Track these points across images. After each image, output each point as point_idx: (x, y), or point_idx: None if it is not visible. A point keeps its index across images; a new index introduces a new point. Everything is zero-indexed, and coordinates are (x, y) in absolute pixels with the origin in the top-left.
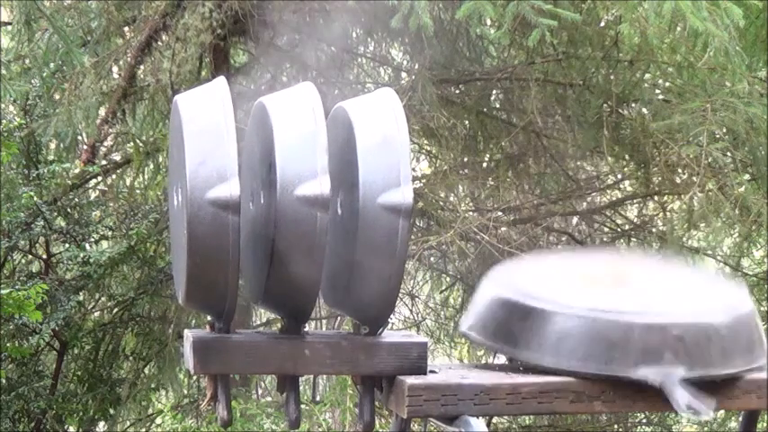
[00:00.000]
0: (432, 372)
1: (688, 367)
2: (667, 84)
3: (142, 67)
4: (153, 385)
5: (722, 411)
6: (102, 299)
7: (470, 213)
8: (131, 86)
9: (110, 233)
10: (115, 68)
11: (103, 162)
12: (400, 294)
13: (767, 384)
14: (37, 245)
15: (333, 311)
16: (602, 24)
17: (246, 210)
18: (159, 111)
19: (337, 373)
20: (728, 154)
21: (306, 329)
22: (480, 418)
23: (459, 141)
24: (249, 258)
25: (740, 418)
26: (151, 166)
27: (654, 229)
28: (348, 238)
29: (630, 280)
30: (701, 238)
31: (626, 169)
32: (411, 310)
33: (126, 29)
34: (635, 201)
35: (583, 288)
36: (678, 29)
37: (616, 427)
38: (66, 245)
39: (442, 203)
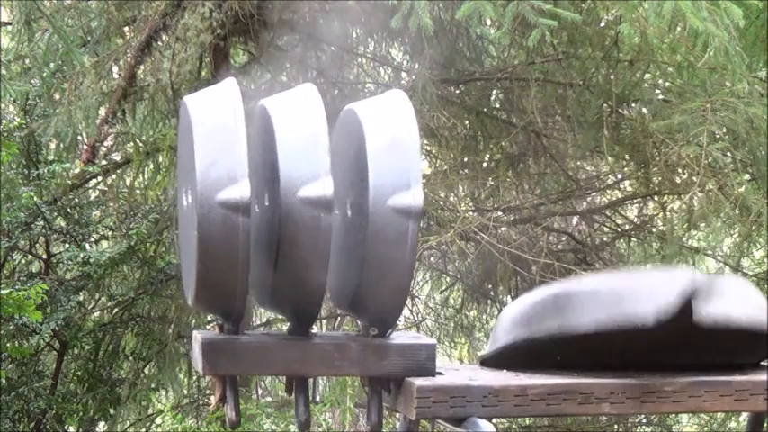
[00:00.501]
0: (438, 373)
1: None
2: (667, 84)
3: (142, 67)
4: (153, 385)
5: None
6: (102, 299)
7: (470, 213)
8: (131, 86)
9: (110, 233)
10: (115, 68)
11: (103, 162)
12: None
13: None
14: (37, 245)
15: (333, 312)
16: (602, 24)
17: (251, 211)
18: (159, 111)
19: (345, 374)
20: (728, 154)
21: (314, 331)
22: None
23: (459, 141)
24: (255, 260)
25: (747, 420)
26: (151, 166)
27: (654, 229)
28: (358, 239)
29: None
30: (701, 238)
31: (626, 169)
32: (411, 310)
33: (126, 29)
34: (635, 201)
35: None
36: (678, 29)
37: (616, 426)
38: (66, 245)
39: (442, 203)
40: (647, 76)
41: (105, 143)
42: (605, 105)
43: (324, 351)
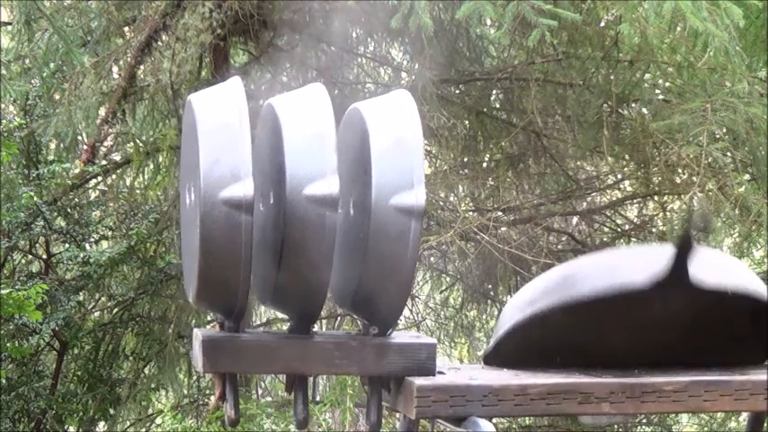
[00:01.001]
0: (439, 373)
1: None
2: (667, 84)
3: (142, 67)
4: (153, 385)
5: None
6: (102, 299)
7: (470, 213)
8: (131, 86)
9: (110, 233)
10: (115, 68)
11: (103, 162)
12: None
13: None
14: (37, 245)
15: (333, 311)
16: (602, 24)
17: (256, 210)
18: (159, 111)
19: (346, 373)
20: (728, 154)
21: (315, 329)
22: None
23: (459, 141)
24: (258, 258)
25: (747, 420)
26: (151, 166)
27: (654, 229)
28: (360, 238)
29: None
30: (701, 238)
31: (626, 169)
32: (411, 310)
33: (126, 29)
34: (635, 201)
35: None
36: (678, 29)
37: (616, 426)
38: (66, 245)
39: (441, 203)
40: (647, 76)
41: (105, 143)
42: (605, 105)
43: (324, 350)
